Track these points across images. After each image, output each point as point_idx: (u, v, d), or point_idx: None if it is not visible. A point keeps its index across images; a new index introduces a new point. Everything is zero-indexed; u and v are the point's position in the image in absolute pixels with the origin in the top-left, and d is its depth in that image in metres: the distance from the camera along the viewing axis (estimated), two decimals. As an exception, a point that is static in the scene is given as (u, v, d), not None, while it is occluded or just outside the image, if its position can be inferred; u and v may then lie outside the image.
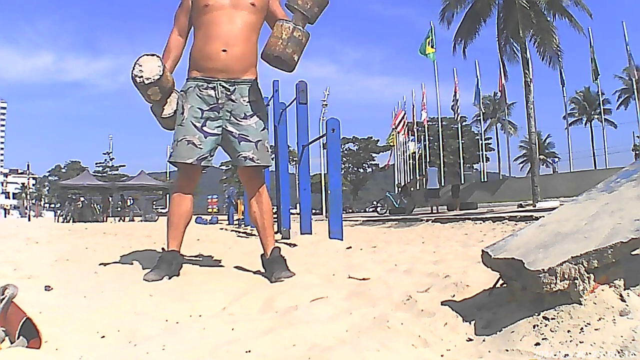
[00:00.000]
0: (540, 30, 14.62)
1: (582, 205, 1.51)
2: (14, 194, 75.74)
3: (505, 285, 1.43)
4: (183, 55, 2.53)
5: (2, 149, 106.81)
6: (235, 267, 2.75)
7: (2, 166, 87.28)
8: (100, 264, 2.76)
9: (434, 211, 15.14)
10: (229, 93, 2.38)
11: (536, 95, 16.66)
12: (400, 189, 17.51)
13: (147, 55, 2.33)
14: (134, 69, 2.29)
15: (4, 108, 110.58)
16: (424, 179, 16.23)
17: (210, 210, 34.70)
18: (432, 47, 23.50)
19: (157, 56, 2.35)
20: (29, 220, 27.55)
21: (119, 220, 20.75)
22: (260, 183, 2.51)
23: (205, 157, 2.39)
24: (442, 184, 17.75)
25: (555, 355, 1.06)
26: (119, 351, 1.29)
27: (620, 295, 1.19)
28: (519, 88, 18.77)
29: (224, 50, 2.34)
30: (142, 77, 2.27)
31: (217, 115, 2.38)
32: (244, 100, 2.40)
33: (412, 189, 16.65)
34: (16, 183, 76.02)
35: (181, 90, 2.44)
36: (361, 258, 3.09)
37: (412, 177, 22.10)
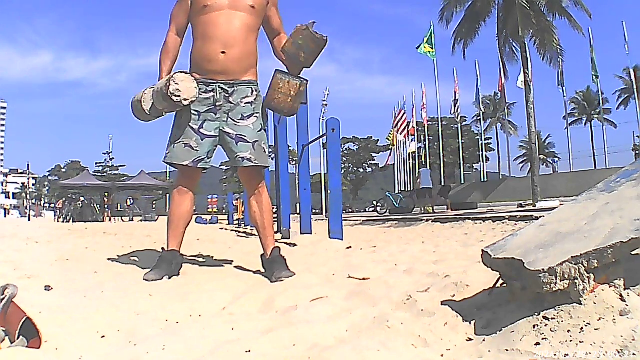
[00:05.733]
0: (540, 30, 14.60)
1: (582, 205, 1.51)
2: (14, 194, 75.73)
3: (505, 285, 1.43)
4: (181, 54, 2.53)
5: (2, 149, 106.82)
6: (235, 267, 2.75)
7: (2, 166, 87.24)
8: (100, 264, 2.76)
9: (430, 211, 15.15)
10: (227, 95, 2.38)
11: (536, 95, 16.69)
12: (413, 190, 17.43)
13: (181, 72, 2.29)
14: (169, 85, 2.23)
15: (4, 108, 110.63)
16: (418, 179, 16.25)
17: (210, 210, 34.67)
18: (430, 46, 23.50)
19: (192, 76, 2.31)
20: (29, 220, 27.54)
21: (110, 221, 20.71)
22: (259, 183, 2.51)
23: (202, 159, 2.38)
24: (443, 184, 17.73)
25: (555, 355, 1.06)
26: (119, 351, 1.29)
27: (620, 295, 1.19)
28: (519, 88, 18.78)
29: (223, 52, 2.34)
30: (179, 96, 2.24)
31: (215, 117, 2.38)
32: (242, 102, 2.40)
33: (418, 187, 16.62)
34: (16, 183, 76.01)
35: None
36: (361, 258, 3.09)
37: (414, 176, 22.21)
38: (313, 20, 2.35)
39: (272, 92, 2.39)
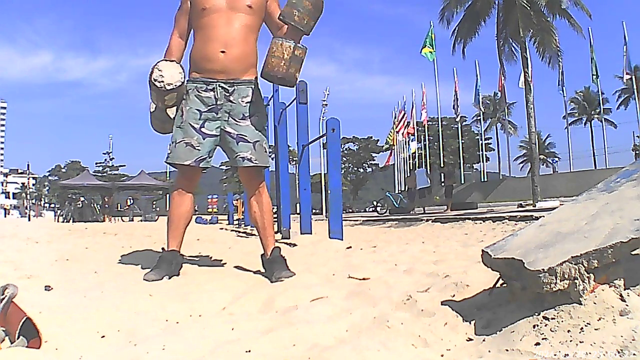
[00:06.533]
0: (540, 30, 14.61)
1: (582, 205, 1.51)
2: (14, 194, 75.69)
3: (505, 285, 1.43)
4: (183, 57, 2.54)
5: (2, 149, 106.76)
6: (235, 267, 2.75)
7: (2, 166, 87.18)
8: (100, 264, 2.76)
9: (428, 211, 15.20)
10: (227, 94, 2.39)
11: (536, 95, 16.71)
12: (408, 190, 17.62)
13: (166, 60, 2.35)
14: (152, 72, 2.28)
15: (4, 108, 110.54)
16: (414, 179, 16.37)
17: (210, 210, 34.65)
18: (431, 47, 23.56)
19: (177, 63, 2.36)
20: (29, 220, 27.55)
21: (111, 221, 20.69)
22: (259, 183, 2.51)
23: (204, 159, 2.39)
24: (444, 183, 17.79)
25: (555, 355, 1.06)
26: (119, 351, 1.29)
27: (620, 295, 1.19)
28: (519, 88, 18.78)
29: (223, 52, 2.35)
30: (162, 82, 2.26)
31: (216, 116, 2.39)
32: (242, 101, 2.40)
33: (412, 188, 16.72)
34: (16, 183, 75.96)
35: None
36: (361, 258, 3.09)
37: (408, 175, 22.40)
38: None
39: (267, 57, 2.29)
